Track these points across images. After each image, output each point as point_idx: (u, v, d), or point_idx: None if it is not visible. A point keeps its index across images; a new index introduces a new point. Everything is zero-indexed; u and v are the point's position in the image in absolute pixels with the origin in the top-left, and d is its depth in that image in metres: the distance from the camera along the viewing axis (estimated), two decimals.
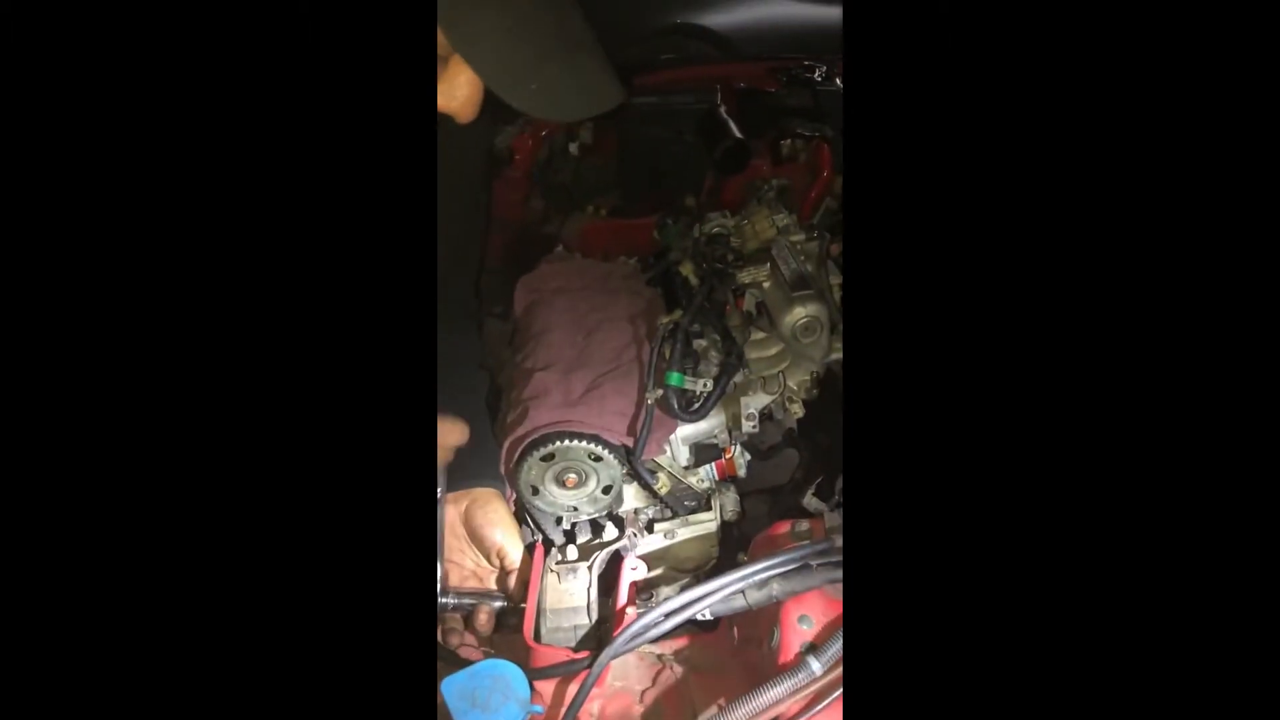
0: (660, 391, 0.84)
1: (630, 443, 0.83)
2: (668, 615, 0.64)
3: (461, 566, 0.82)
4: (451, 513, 0.80)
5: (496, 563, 0.81)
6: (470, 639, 0.77)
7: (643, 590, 0.79)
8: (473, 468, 0.82)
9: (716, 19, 1.44)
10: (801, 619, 0.60)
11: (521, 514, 0.89)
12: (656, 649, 0.74)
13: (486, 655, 0.76)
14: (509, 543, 0.80)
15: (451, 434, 0.80)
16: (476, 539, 0.81)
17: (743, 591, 0.63)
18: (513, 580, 0.80)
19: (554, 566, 0.80)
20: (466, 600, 0.78)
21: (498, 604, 0.79)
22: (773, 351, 0.89)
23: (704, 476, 0.90)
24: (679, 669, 0.71)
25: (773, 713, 0.56)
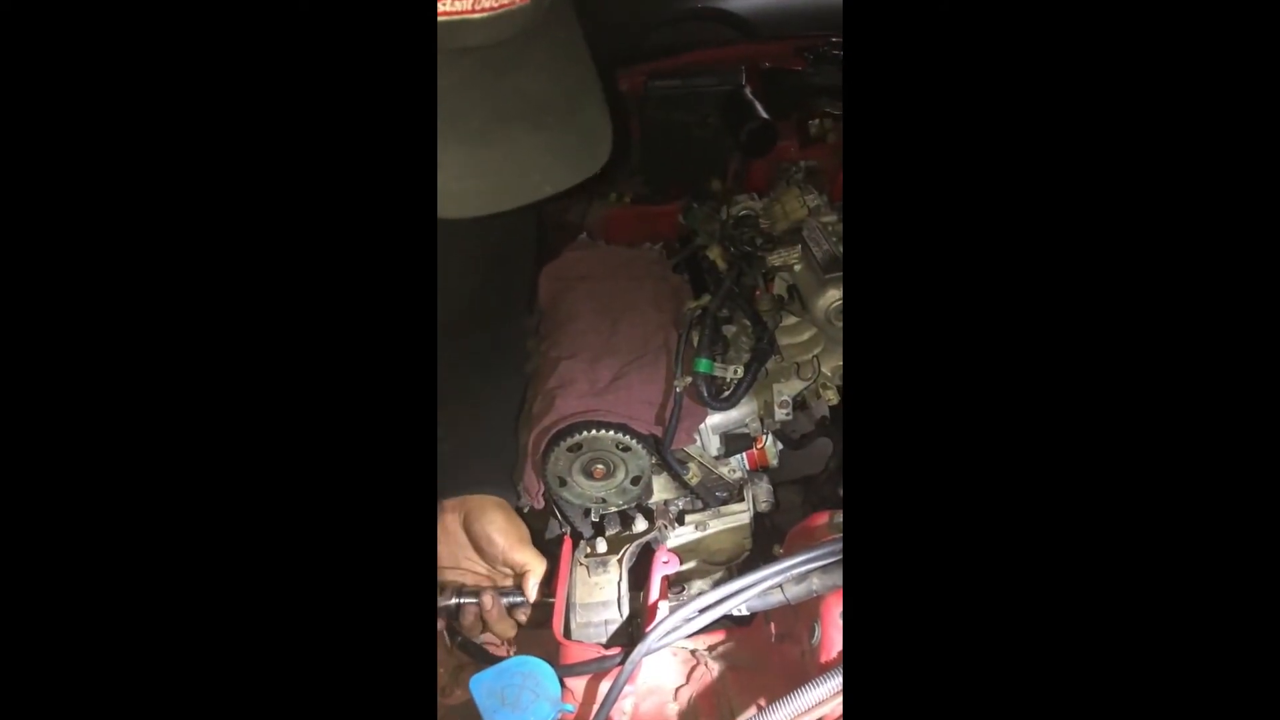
0: (689, 379, 0.81)
1: (659, 432, 0.81)
2: (702, 611, 0.62)
3: (475, 573, 0.79)
4: (451, 521, 0.76)
5: (507, 570, 0.77)
6: (491, 638, 0.75)
7: (673, 584, 0.76)
8: (472, 472, 0.78)
9: (739, 1, 1.42)
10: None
11: (550, 506, 0.87)
12: (690, 644, 0.72)
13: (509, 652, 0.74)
14: (515, 549, 0.75)
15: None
16: (479, 551, 0.76)
17: (781, 586, 0.61)
18: (529, 585, 0.75)
19: (583, 560, 0.78)
20: (472, 600, 0.75)
21: (514, 599, 0.75)
22: (806, 336, 0.86)
23: (735, 466, 0.88)
24: (714, 665, 0.69)
25: (816, 713, 0.53)
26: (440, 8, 0.49)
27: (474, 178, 0.53)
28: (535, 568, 0.75)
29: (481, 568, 0.79)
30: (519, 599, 0.75)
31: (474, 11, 0.50)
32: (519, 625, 0.76)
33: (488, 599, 0.73)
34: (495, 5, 0.50)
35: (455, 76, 0.51)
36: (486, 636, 0.76)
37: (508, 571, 0.77)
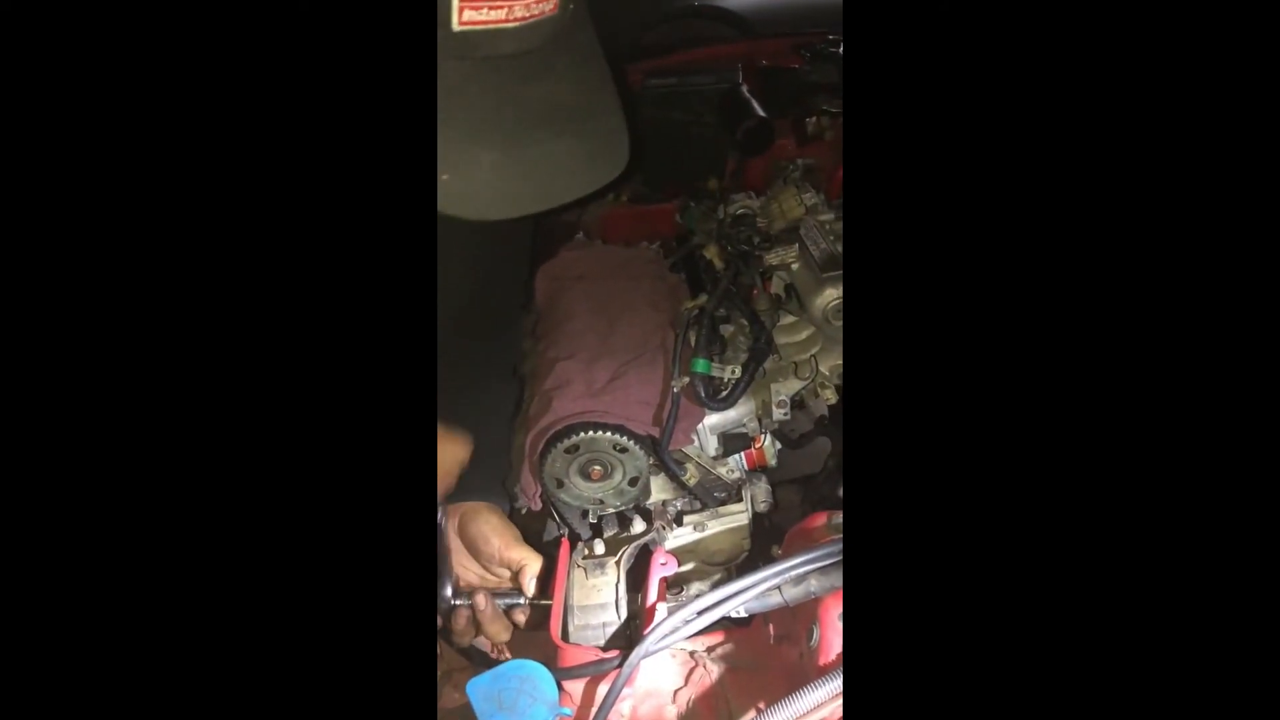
0: (686, 379, 0.81)
1: (656, 433, 0.81)
2: (700, 613, 0.61)
3: (467, 581, 0.78)
4: (447, 526, 0.76)
5: (503, 572, 0.77)
6: (483, 641, 0.74)
7: (672, 585, 0.76)
8: (469, 482, 0.78)
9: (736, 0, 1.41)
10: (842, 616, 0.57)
11: (548, 508, 0.87)
12: (690, 645, 0.71)
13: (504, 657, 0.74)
14: (511, 548, 0.75)
15: (454, 450, 0.74)
16: (475, 552, 0.77)
17: (779, 588, 0.60)
18: (527, 580, 0.75)
19: (580, 561, 0.77)
20: (465, 603, 0.74)
21: (511, 600, 0.75)
22: (803, 335, 0.86)
23: (734, 467, 0.87)
24: (713, 668, 0.69)
25: (814, 716, 0.53)
26: (476, 16, 0.50)
27: (504, 182, 0.55)
28: (531, 562, 0.75)
29: (475, 573, 0.78)
30: (516, 600, 0.75)
31: (508, 21, 0.51)
32: (516, 627, 0.75)
33: (481, 598, 0.72)
34: (527, 15, 0.52)
35: (487, 84, 0.52)
36: (481, 641, 0.76)
37: (503, 573, 0.77)
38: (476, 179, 0.53)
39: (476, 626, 0.74)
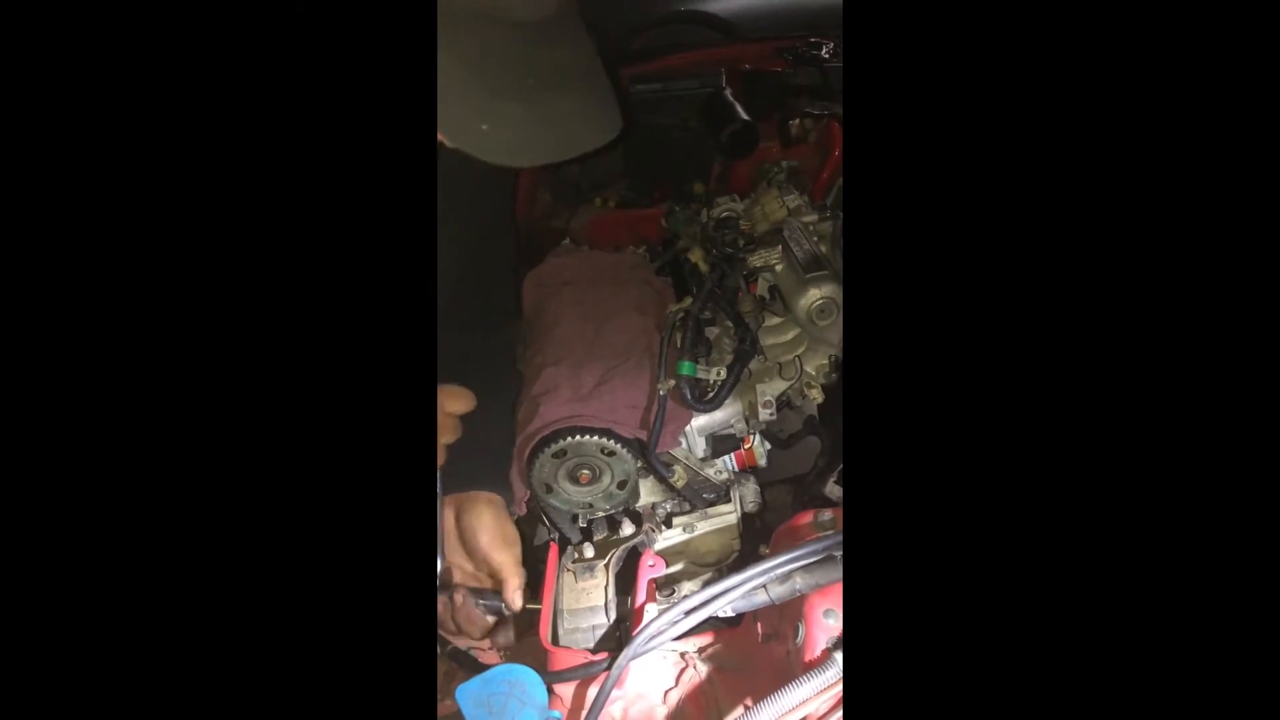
0: (672, 382, 0.81)
1: (644, 436, 0.81)
2: (688, 613, 0.62)
3: (463, 569, 0.77)
4: (446, 516, 0.76)
5: (486, 570, 0.75)
6: (473, 643, 0.74)
7: (663, 587, 0.76)
8: (470, 470, 0.77)
9: (720, 4, 1.42)
10: (827, 613, 0.57)
11: (537, 512, 0.87)
12: (680, 646, 0.72)
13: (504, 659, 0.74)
14: (496, 548, 0.74)
15: (456, 401, 0.73)
16: (464, 542, 0.76)
17: (765, 586, 0.61)
18: (510, 591, 0.74)
19: (570, 565, 0.77)
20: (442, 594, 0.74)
21: (491, 603, 0.74)
22: (788, 336, 0.86)
23: (722, 468, 0.87)
24: (702, 667, 0.69)
25: (801, 712, 0.53)
26: None
27: (530, 133, 0.63)
28: (511, 576, 0.74)
29: (468, 566, 0.77)
30: (495, 602, 0.74)
31: None
32: (491, 624, 0.75)
33: (459, 596, 0.72)
34: None
35: (507, 48, 0.62)
36: (468, 642, 0.76)
37: (485, 571, 0.76)
38: (511, 129, 0.62)
39: (454, 622, 0.73)
